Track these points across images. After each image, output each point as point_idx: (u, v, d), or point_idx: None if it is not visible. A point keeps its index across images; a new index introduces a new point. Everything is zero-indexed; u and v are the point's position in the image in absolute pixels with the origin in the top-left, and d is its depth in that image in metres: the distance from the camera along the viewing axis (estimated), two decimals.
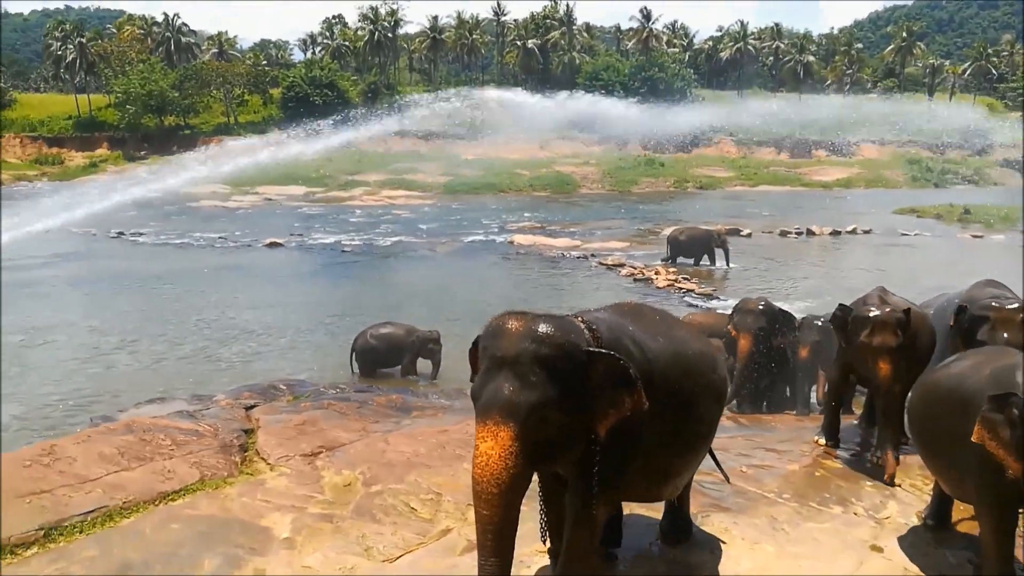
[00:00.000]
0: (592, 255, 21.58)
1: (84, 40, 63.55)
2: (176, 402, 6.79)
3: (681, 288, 16.87)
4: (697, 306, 15.10)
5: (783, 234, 25.97)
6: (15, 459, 4.55)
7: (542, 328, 2.76)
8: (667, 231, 23.75)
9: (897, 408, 4.97)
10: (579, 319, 2.96)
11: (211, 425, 5.38)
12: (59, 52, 64.19)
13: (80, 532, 3.92)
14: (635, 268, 19.19)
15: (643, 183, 47.16)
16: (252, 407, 6.07)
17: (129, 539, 3.84)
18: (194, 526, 3.99)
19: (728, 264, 19.63)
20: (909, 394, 4.62)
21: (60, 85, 71.41)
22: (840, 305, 5.15)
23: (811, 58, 72.05)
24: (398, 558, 3.76)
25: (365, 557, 3.74)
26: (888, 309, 4.82)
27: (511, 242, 24.45)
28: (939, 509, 4.22)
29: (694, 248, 20.05)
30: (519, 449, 2.62)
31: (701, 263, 19.93)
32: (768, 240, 25.10)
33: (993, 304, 4.94)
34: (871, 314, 4.83)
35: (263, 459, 4.94)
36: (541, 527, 3.36)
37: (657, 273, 18.21)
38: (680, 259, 20.17)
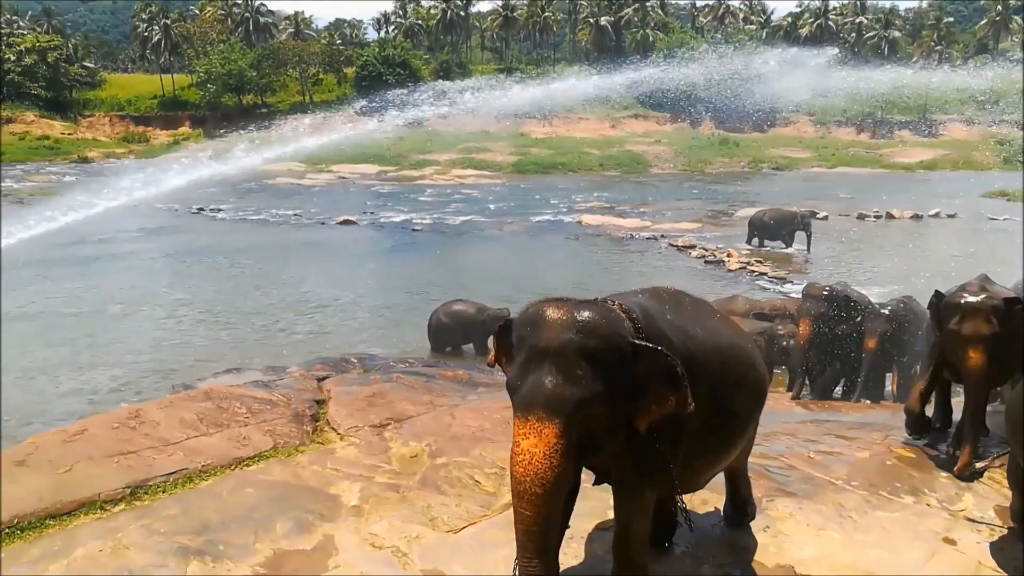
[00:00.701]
0: (662, 236, 21.33)
1: (168, 22, 65.67)
2: (251, 372, 7.04)
3: (754, 271, 16.55)
4: (769, 289, 14.81)
5: (861, 217, 25.12)
6: (104, 421, 4.81)
7: (587, 318, 2.58)
8: (739, 212, 23.27)
9: (983, 401, 4.77)
10: (617, 305, 2.75)
11: (284, 395, 5.57)
12: (145, 33, 66.55)
13: (163, 492, 4.12)
14: (706, 250, 18.90)
15: (717, 163, 46.28)
16: (324, 379, 6.25)
17: (208, 500, 4.02)
18: (267, 491, 4.15)
19: (809, 248, 19.01)
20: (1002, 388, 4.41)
21: (146, 65, 74.16)
22: (936, 292, 4.95)
23: (896, 34, 68.93)
24: (462, 529, 3.83)
25: (430, 527, 3.82)
26: (984, 296, 4.60)
27: (579, 222, 24.36)
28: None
29: (777, 230, 19.45)
30: (564, 447, 2.48)
31: (782, 245, 19.36)
32: (845, 223, 24.32)
33: None
34: (963, 301, 4.62)
35: (333, 429, 5.10)
36: None
37: (729, 255, 17.88)
38: (755, 241, 19.69)
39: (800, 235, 19.06)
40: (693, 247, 19.40)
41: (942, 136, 51.38)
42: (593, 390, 2.51)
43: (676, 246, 19.82)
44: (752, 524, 3.95)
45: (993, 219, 24.83)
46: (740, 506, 3.82)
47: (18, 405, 8.70)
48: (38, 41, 59.56)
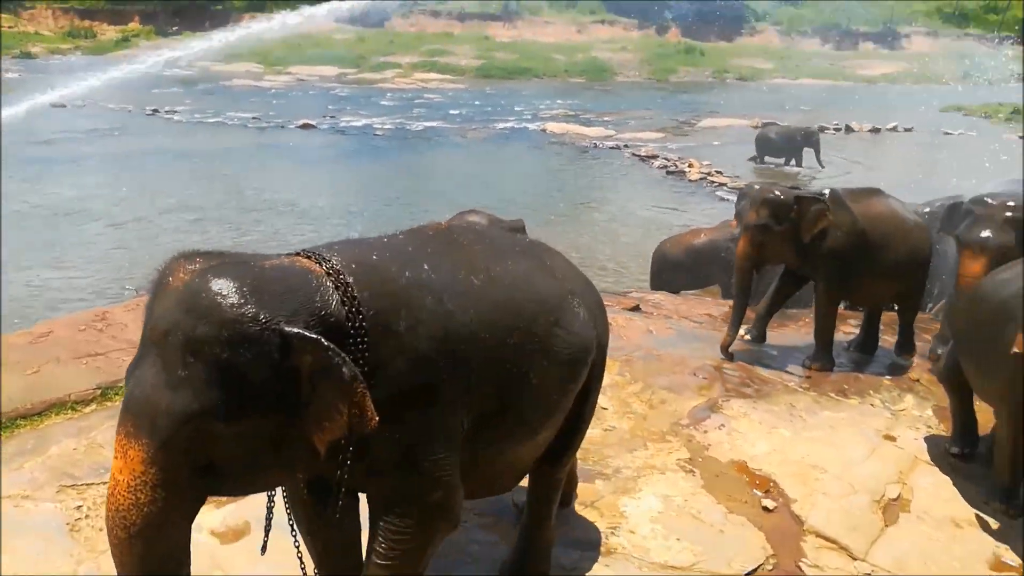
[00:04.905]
0: (625, 146, 21.25)
1: None
2: None
3: (714, 182, 16.68)
4: (728, 201, 14.99)
5: (821, 130, 25.07)
6: (71, 322, 4.82)
7: (213, 289, 1.73)
8: (701, 123, 23.07)
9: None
10: (323, 263, 1.93)
11: None
12: None
13: None
14: (668, 160, 18.93)
15: (682, 72, 45.70)
16: None
17: None
18: None
19: (820, 164, 18.05)
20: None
21: None
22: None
23: None
24: None
25: None
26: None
27: (544, 130, 24.12)
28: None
29: (783, 147, 18.49)
30: (158, 479, 1.71)
31: (790, 163, 18.52)
32: None
33: (987, 201, 4.71)
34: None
35: None
36: (297, 554, 2.30)
37: (691, 166, 17.95)
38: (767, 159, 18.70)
39: (809, 153, 18.22)
40: (655, 157, 19.40)
41: (905, 49, 51.25)
42: (206, 400, 1.71)
43: (639, 156, 19.79)
44: (707, 423, 4.18)
45: (948, 133, 25.08)
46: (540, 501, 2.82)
47: None
48: None
